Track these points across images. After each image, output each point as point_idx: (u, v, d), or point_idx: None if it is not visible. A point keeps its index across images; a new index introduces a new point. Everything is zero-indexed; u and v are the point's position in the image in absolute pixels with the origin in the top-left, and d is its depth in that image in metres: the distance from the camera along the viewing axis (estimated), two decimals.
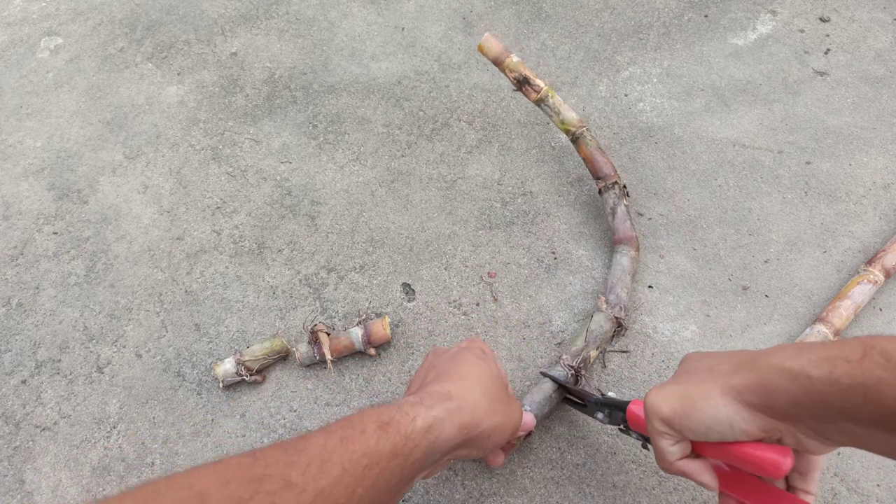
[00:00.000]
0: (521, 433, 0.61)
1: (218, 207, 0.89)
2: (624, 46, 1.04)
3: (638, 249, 0.79)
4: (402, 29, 1.09)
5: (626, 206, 0.80)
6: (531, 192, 0.88)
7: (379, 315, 0.79)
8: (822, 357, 0.41)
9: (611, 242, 0.83)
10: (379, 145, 0.94)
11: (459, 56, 1.05)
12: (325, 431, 0.43)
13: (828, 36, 1.03)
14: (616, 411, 0.59)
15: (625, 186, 0.82)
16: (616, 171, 0.82)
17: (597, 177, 0.83)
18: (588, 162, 0.83)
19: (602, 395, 0.60)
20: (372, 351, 0.74)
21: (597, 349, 0.71)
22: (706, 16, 1.07)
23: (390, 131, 0.96)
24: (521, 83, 0.82)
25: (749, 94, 0.97)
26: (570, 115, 0.82)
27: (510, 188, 0.89)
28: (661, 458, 0.50)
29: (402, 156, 0.93)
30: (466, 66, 1.03)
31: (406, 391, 0.57)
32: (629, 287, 0.76)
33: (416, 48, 1.06)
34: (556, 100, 0.82)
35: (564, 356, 0.69)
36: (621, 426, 0.60)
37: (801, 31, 1.04)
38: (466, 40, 1.06)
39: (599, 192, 0.82)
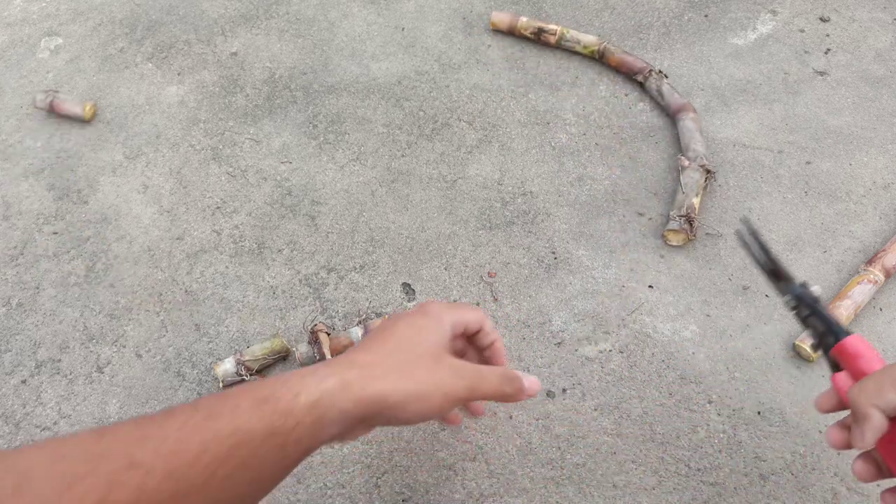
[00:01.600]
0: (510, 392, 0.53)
1: (218, 207, 0.89)
2: (624, 46, 1.04)
3: (695, 111, 0.90)
4: (403, 29, 1.09)
5: (668, 84, 0.92)
6: (531, 191, 0.88)
7: (379, 315, 0.79)
8: None
9: (610, 241, 0.83)
10: (379, 145, 0.94)
11: (459, 56, 1.05)
12: (192, 406, 0.39)
13: (828, 36, 1.03)
14: (816, 319, 0.54)
15: (661, 71, 0.94)
16: (647, 63, 0.94)
17: (633, 73, 0.95)
18: (621, 66, 0.95)
19: (804, 286, 0.55)
20: None
21: (696, 195, 0.79)
22: (706, 16, 1.07)
23: (390, 131, 0.96)
24: (538, 34, 0.97)
25: (749, 93, 0.97)
26: (589, 38, 0.96)
27: (510, 188, 0.89)
28: (866, 398, 0.45)
29: (403, 156, 0.93)
30: (466, 66, 1.03)
31: None
32: (703, 142, 0.86)
33: (417, 48, 1.06)
34: (572, 33, 0.97)
35: (672, 212, 0.78)
36: (814, 339, 0.54)
37: (802, 30, 1.04)
38: (465, 40, 1.06)
39: (642, 84, 0.94)
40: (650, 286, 0.79)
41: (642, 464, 0.67)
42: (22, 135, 0.99)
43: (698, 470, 0.67)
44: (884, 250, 0.77)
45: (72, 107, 0.97)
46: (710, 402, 0.71)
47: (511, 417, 0.71)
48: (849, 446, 0.48)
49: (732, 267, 0.80)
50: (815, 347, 0.56)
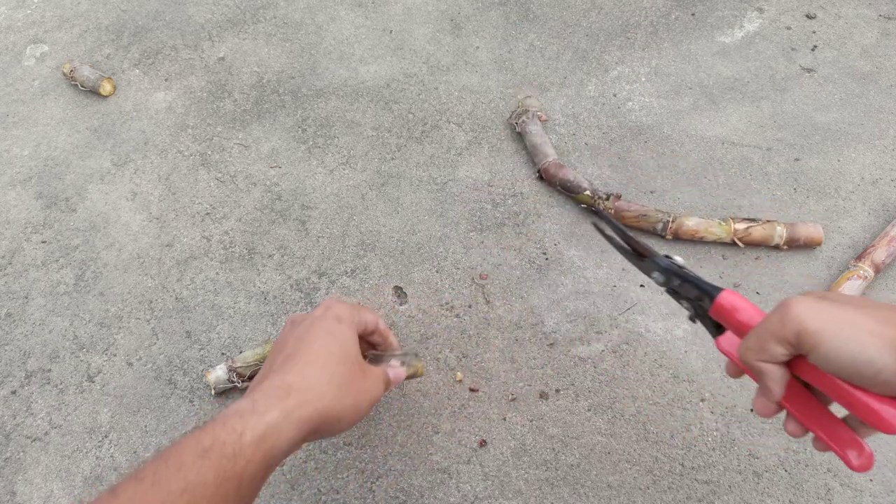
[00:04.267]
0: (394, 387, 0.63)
1: (207, 213, 0.89)
2: (612, 46, 1.04)
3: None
4: (390, 32, 1.09)
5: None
6: (521, 192, 0.88)
7: None
8: None
9: (601, 242, 0.83)
10: (368, 148, 0.94)
11: (448, 58, 1.04)
12: (135, 479, 0.40)
13: (814, 33, 1.04)
14: (686, 285, 0.52)
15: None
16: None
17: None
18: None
19: (668, 257, 0.54)
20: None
21: None
22: (693, 14, 1.08)
23: (380, 134, 0.96)
24: None
25: (737, 91, 0.97)
26: None
27: (500, 189, 0.89)
28: (753, 354, 0.45)
29: (392, 159, 0.93)
30: (455, 67, 1.03)
31: (261, 371, 0.55)
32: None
33: (405, 51, 1.06)
34: None
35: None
36: (690, 309, 0.53)
37: (788, 28, 1.04)
38: (454, 42, 1.06)
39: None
40: (642, 285, 0.79)
41: (636, 463, 0.67)
42: (9, 143, 0.98)
43: (692, 468, 0.67)
44: (873, 246, 0.78)
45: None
46: (702, 401, 0.71)
47: (505, 419, 0.71)
48: (777, 411, 0.48)
49: (723, 265, 0.80)
50: (692, 319, 0.54)
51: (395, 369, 0.61)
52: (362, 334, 0.60)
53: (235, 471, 0.42)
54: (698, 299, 0.52)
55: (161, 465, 0.41)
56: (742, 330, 0.48)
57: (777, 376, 0.45)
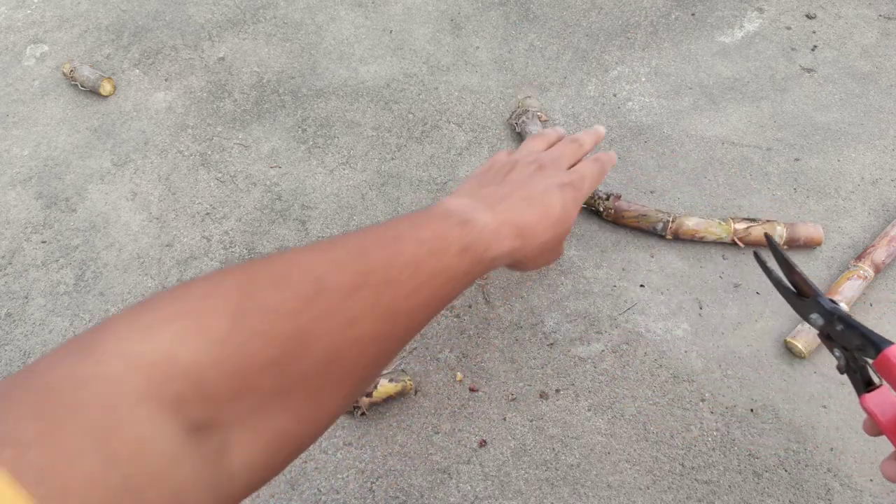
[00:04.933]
0: None
1: (207, 213, 0.89)
2: (612, 46, 1.04)
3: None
4: (390, 32, 1.09)
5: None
6: None
7: None
8: None
9: (601, 241, 0.83)
10: (368, 148, 0.94)
11: (448, 58, 1.04)
12: (417, 240, 0.47)
13: (814, 33, 1.04)
14: (850, 333, 0.49)
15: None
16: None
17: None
18: None
19: (833, 301, 0.51)
20: None
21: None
22: (693, 14, 1.08)
23: (380, 134, 0.96)
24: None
25: (737, 91, 0.97)
26: None
27: None
28: None
29: (392, 158, 0.93)
30: (455, 67, 1.03)
31: (478, 173, 0.63)
32: None
33: (405, 51, 1.06)
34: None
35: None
36: (842, 360, 0.51)
37: (788, 28, 1.04)
38: (454, 42, 1.06)
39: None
40: (642, 285, 0.79)
41: (636, 463, 0.67)
42: (9, 143, 0.98)
43: (692, 468, 0.67)
44: (873, 246, 0.78)
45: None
46: (702, 401, 0.71)
47: (505, 419, 0.71)
48: None
49: (723, 264, 0.80)
50: (840, 370, 0.51)
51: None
52: None
53: (475, 271, 0.50)
54: (859, 349, 0.49)
55: (437, 238, 0.48)
56: None
57: None
